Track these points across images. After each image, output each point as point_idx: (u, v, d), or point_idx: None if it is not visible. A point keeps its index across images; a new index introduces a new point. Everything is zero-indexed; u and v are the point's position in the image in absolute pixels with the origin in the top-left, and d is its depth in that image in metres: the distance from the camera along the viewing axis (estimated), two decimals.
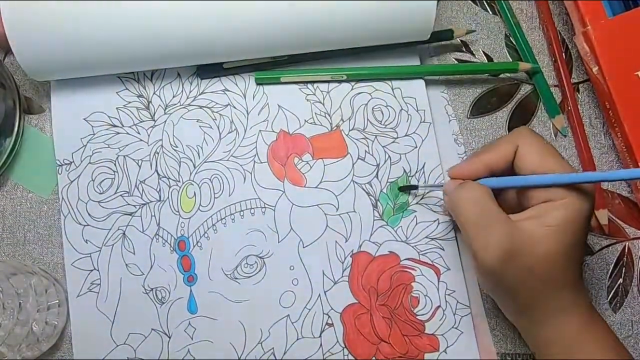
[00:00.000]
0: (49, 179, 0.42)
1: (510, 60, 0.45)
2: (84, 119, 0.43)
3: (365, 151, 0.43)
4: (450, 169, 0.37)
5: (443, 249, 0.41)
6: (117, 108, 0.43)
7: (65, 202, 0.41)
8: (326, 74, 0.43)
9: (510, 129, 0.44)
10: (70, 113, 0.43)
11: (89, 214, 0.41)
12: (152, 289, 0.41)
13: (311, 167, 0.42)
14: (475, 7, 0.46)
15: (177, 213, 0.41)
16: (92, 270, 0.41)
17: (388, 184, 0.42)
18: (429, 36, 0.41)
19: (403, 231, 0.42)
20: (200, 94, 0.43)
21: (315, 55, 0.42)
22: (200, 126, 0.43)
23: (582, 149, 0.43)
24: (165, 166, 0.42)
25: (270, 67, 0.43)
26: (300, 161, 0.42)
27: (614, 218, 0.43)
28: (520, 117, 0.44)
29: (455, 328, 0.40)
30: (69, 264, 0.41)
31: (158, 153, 0.42)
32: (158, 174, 0.42)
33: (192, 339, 0.40)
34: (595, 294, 0.42)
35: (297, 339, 0.40)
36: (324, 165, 0.42)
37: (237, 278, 0.41)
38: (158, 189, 0.42)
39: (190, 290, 0.41)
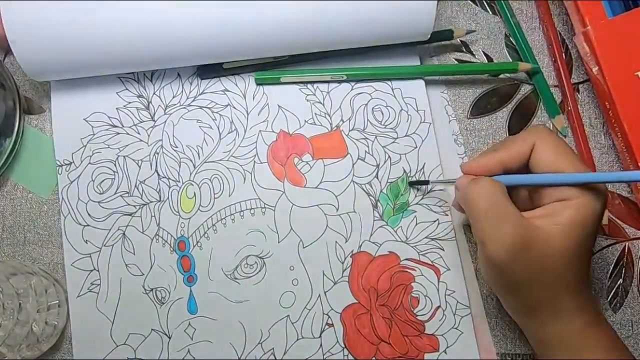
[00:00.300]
0: (49, 179, 0.42)
1: (510, 60, 0.45)
2: (84, 119, 0.43)
3: (365, 151, 0.43)
4: (463, 164, 0.37)
5: (443, 249, 0.41)
6: (117, 108, 0.43)
7: (65, 202, 0.41)
8: (326, 74, 0.43)
9: (510, 129, 0.44)
10: (70, 113, 0.43)
11: (89, 214, 0.41)
12: (152, 289, 0.41)
13: (311, 168, 0.42)
14: (475, 7, 0.46)
15: (177, 213, 0.41)
16: (92, 271, 0.41)
17: (388, 184, 0.42)
18: (429, 36, 0.41)
19: (403, 231, 0.42)
20: (200, 94, 0.43)
21: (315, 56, 0.42)
22: (200, 126, 0.43)
23: (582, 149, 0.43)
24: (165, 166, 0.42)
25: (270, 67, 0.43)
26: (300, 161, 0.42)
27: (614, 218, 0.43)
28: (520, 117, 0.44)
29: (455, 328, 0.40)
30: (69, 264, 0.41)
31: (158, 153, 0.42)
32: (158, 174, 0.42)
33: (192, 339, 0.40)
34: (595, 294, 0.42)
35: (297, 339, 0.40)
36: (324, 166, 0.42)
37: (237, 278, 0.41)
38: (158, 189, 0.42)
39: (190, 291, 0.41)
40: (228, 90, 0.43)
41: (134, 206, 0.41)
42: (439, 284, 0.41)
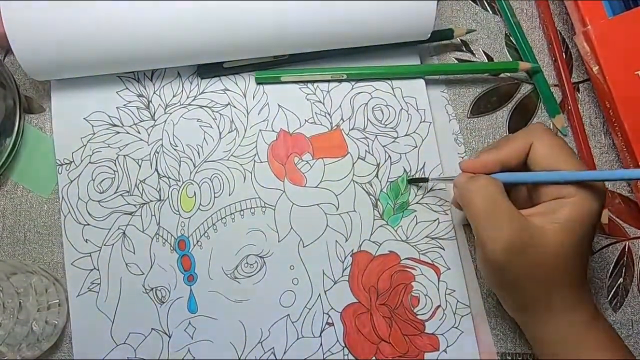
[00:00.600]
0: (49, 178, 0.42)
1: (511, 59, 0.45)
2: (84, 119, 0.43)
3: (366, 151, 0.43)
4: (462, 162, 0.37)
5: (443, 249, 0.41)
6: (117, 108, 0.43)
7: (65, 201, 0.41)
8: (326, 74, 0.43)
9: (510, 128, 0.44)
10: (70, 112, 0.43)
11: (89, 214, 0.41)
12: (152, 289, 0.41)
13: (311, 167, 0.42)
14: (475, 6, 0.46)
15: (177, 212, 0.41)
16: (92, 270, 0.41)
17: (388, 183, 0.42)
18: (429, 36, 0.41)
19: (403, 231, 0.42)
20: (200, 94, 0.43)
21: (315, 55, 0.42)
22: (200, 126, 0.43)
23: (582, 148, 0.43)
24: (165, 166, 0.42)
25: (270, 66, 0.43)
26: (301, 161, 0.42)
27: (614, 217, 0.43)
28: (521, 117, 0.44)
29: (456, 328, 0.40)
30: (69, 263, 0.41)
31: (158, 152, 0.42)
32: (158, 174, 0.42)
33: (192, 338, 0.40)
34: (595, 294, 0.42)
35: (297, 339, 0.40)
36: (324, 165, 0.42)
37: (237, 277, 0.41)
38: (158, 189, 0.42)
39: (190, 290, 0.41)
40: (228, 90, 0.43)
41: (134, 205, 0.41)
42: (439, 283, 0.41)
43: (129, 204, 0.41)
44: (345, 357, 0.40)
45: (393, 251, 0.41)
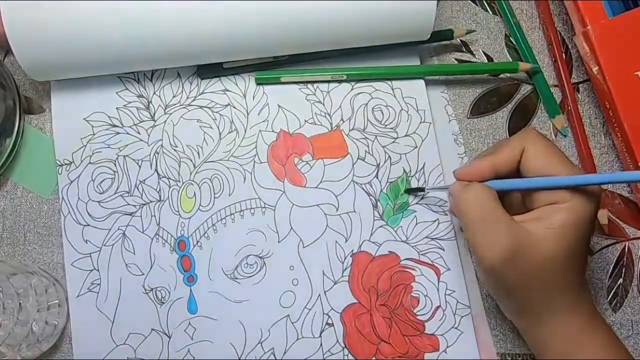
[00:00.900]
0: (49, 179, 0.42)
1: (510, 60, 0.45)
2: (84, 119, 0.43)
3: (365, 151, 0.43)
4: (456, 171, 0.37)
5: (443, 249, 0.41)
6: (117, 108, 0.43)
7: (65, 202, 0.41)
8: (326, 74, 0.43)
9: (510, 128, 0.44)
10: (70, 113, 0.43)
11: (89, 214, 0.41)
12: (152, 289, 0.41)
13: (311, 167, 0.42)
14: (475, 7, 0.46)
15: (177, 213, 0.41)
16: (92, 270, 0.41)
17: (388, 184, 0.42)
18: (429, 36, 0.41)
19: (403, 231, 0.42)
20: (200, 94, 0.43)
21: (315, 55, 0.42)
22: (200, 126, 0.43)
23: (582, 149, 0.43)
24: (165, 166, 0.42)
25: (270, 67, 0.43)
26: (300, 161, 0.42)
27: (614, 218, 0.43)
28: (520, 117, 0.44)
29: (455, 328, 0.40)
30: (69, 263, 0.41)
31: (158, 153, 0.42)
32: (158, 174, 0.42)
33: (192, 339, 0.40)
34: (595, 294, 0.42)
35: (297, 339, 0.40)
36: (324, 165, 0.42)
37: (237, 278, 0.41)
38: (158, 189, 0.42)
39: (190, 290, 0.41)
40: (228, 90, 0.43)
41: (134, 206, 0.41)
42: (439, 283, 0.41)
43: (128, 204, 0.41)
44: (345, 358, 0.40)
45: (393, 252, 0.41)
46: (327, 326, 0.40)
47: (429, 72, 0.44)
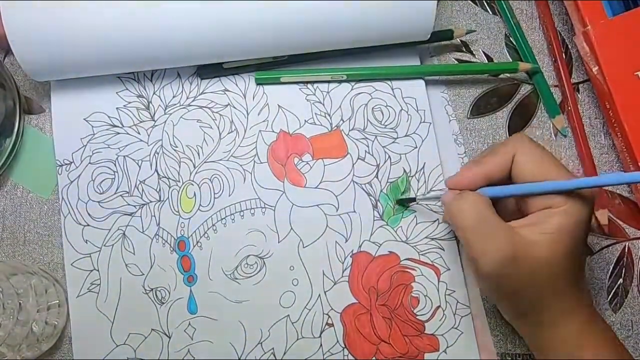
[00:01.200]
0: (49, 179, 0.42)
1: (510, 60, 0.45)
2: (84, 119, 0.43)
3: (365, 151, 0.43)
4: (448, 180, 0.37)
5: (443, 249, 0.41)
6: (117, 108, 0.43)
7: (65, 202, 0.41)
8: (326, 74, 0.43)
9: (510, 128, 0.44)
10: (70, 113, 0.43)
11: (89, 214, 0.41)
12: (152, 289, 0.41)
13: (311, 167, 0.42)
14: (475, 7, 0.46)
15: (177, 213, 0.41)
16: (92, 270, 0.41)
17: (388, 184, 0.42)
18: (429, 36, 0.41)
19: (403, 231, 0.42)
20: (200, 94, 0.43)
21: (315, 55, 0.42)
22: (200, 126, 0.43)
23: (582, 149, 0.43)
24: (165, 166, 0.42)
25: (270, 67, 0.43)
26: (300, 161, 0.42)
27: (614, 218, 0.43)
28: (520, 117, 0.44)
29: (455, 328, 0.40)
30: (68, 264, 0.41)
31: (158, 153, 0.42)
32: (158, 174, 0.42)
33: (192, 339, 0.40)
34: (595, 294, 0.42)
35: (297, 339, 0.40)
36: (324, 166, 0.42)
37: (237, 278, 0.41)
38: (158, 189, 0.42)
39: (190, 291, 0.41)
40: (228, 90, 0.43)
41: (134, 206, 0.41)
42: (439, 283, 0.41)
43: (128, 204, 0.41)
44: (345, 358, 0.40)
45: (393, 252, 0.41)
46: (327, 326, 0.40)
47: (429, 72, 0.44)
